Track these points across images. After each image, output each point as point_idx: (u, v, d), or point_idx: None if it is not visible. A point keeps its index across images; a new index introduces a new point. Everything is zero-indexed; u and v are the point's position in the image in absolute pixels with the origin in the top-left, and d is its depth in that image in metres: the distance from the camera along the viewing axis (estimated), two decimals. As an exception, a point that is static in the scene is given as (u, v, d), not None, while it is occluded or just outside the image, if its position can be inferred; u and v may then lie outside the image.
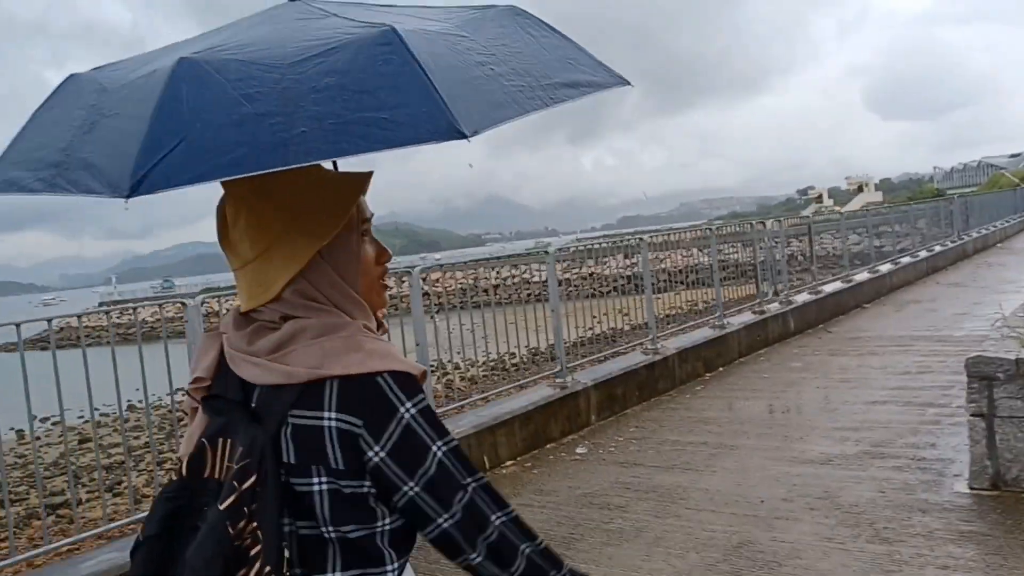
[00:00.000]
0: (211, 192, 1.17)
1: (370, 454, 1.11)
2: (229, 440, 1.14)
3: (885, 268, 14.42)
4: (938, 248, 17.73)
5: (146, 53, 1.30)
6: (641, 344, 7.92)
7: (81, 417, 7.35)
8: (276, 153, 0.94)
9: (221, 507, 1.09)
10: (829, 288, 11.98)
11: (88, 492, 8.80)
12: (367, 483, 1.12)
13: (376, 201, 1.31)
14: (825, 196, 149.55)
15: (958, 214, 20.19)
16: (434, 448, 1.13)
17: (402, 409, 1.12)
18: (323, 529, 1.14)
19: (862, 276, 13.27)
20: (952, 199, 21.11)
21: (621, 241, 11.66)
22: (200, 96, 0.99)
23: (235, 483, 1.09)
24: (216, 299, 4.76)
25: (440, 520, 1.14)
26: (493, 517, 1.17)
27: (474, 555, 1.16)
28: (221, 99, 0.99)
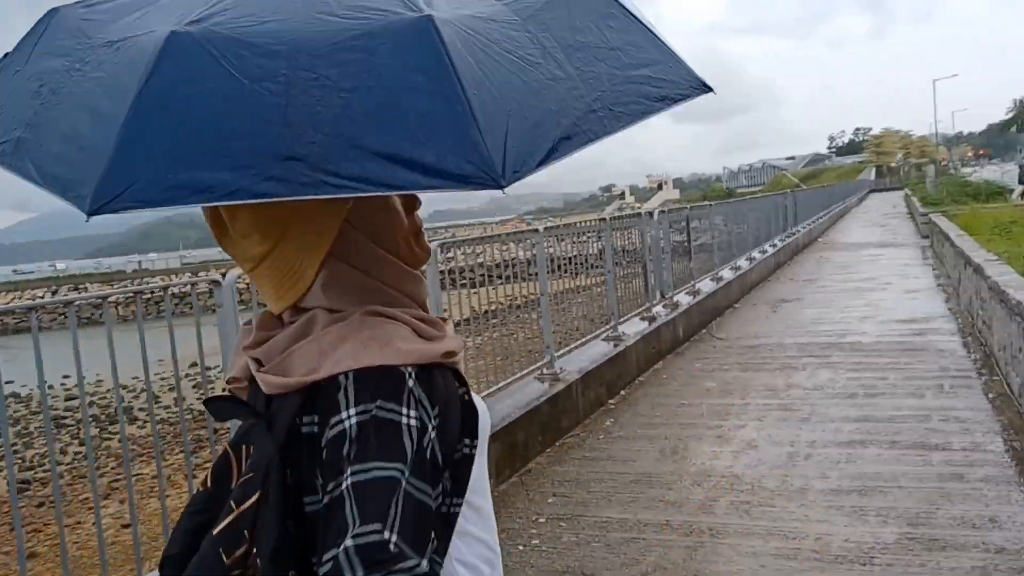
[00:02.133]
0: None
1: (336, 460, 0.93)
2: (251, 447, 1.00)
3: (744, 264, 13.58)
4: (779, 243, 17.40)
5: None
6: (538, 370, 6.01)
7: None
8: (274, 183, 0.77)
9: (214, 533, 0.95)
10: (705, 287, 10.75)
11: None
12: None
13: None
14: (627, 193, 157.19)
15: (791, 209, 20.20)
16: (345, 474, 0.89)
17: (346, 413, 0.92)
18: None
19: (728, 274, 12.23)
20: (786, 194, 21.12)
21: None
22: (191, 88, 0.81)
23: (233, 503, 0.95)
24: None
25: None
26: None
27: None
28: (216, 95, 0.80)
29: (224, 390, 1.10)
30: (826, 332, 8.95)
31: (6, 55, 1.06)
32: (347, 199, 0.97)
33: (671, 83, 0.96)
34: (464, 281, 6.46)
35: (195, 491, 1.06)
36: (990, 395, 5.92)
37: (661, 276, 9.05)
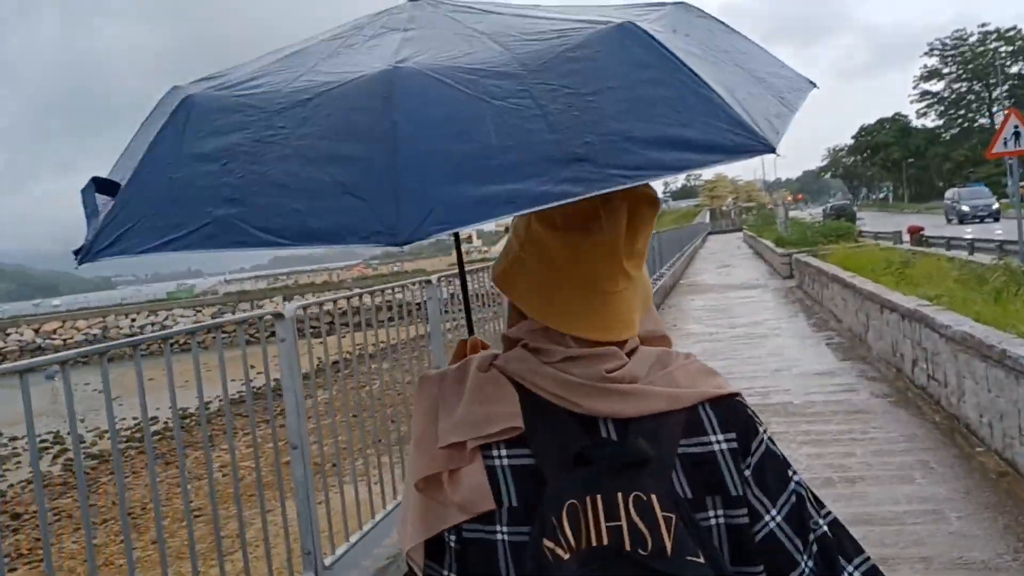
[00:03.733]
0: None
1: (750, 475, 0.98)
2: (599, 496, 0.91)
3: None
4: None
5: (275, 62, 1.07)
6: None
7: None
8: (212, 230, 0.83)
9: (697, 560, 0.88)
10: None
11: None
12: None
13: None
14: (474, 237, 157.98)
15: (657, 251, 19.65)
16: (791, 475, 0.99)
17: (761, 429, 1.00)
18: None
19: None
20: (654, 234, 20.55)
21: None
22: (439, 112, 0.84)
23: (664, 534, 0.89)
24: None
25: (801, 563, 0.95)
26: (845, 565, 0.99)
27: None
28: (465, 116, 0.83)
29: (446, 446, 0.99)
30: (746, 391, 7.79)
31: (128, 152, 1.06)
32: (656, 212, 1.00)
33: (704, 144, 0.87)
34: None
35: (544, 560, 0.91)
36: (992, 475, 4.85)
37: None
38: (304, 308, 3.64)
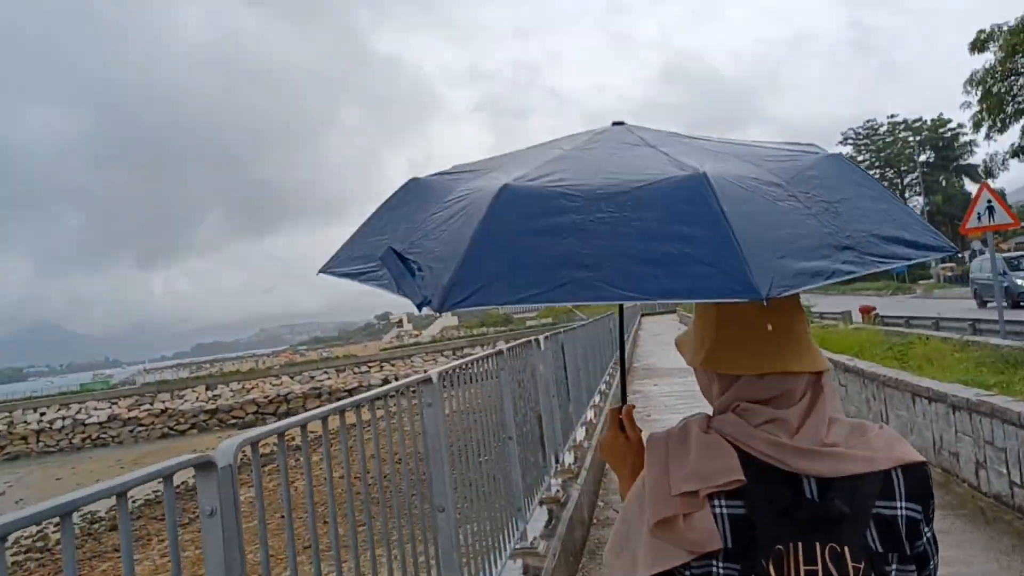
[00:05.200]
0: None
1: (922, 540, 1.17)
2: (800, 544, 1.12)
3: (599, 400, 11.19)
4: (613, 371, 15.39)
5: (481, 162, 1.50)
6: None
7: None
8: (574, 288, 1.04)
9: None
10: (580, 437, 8.07)
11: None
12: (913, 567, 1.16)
13: None
14: (405, 321, 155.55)
15: (615, 331, 18.46)
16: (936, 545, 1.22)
17: (932, 502, 1.19)
18: None
19: (590, 414, 9.72)
20: (610, 315, 19.40)
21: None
22: (513, 225, 1.11)
23: None
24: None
25: None
26: None
27: None
28: (530, 229, 1.10)
29: (682, 494, 1.16)
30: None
31: (383, 206, 1.45)
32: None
33: (922, 235, 1.25)
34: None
35: None
36: None
37: (554, 431, 6.26)
38: (253, 444, 2.07)
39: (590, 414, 9.63)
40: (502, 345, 4.77)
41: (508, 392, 4.71)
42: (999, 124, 31.37)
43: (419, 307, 1.11)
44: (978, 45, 30.36)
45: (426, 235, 1.22)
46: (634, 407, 1.55)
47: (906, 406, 7.53)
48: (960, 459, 6.35)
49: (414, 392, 3.25)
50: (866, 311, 23.73)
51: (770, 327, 1.21)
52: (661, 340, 32.94)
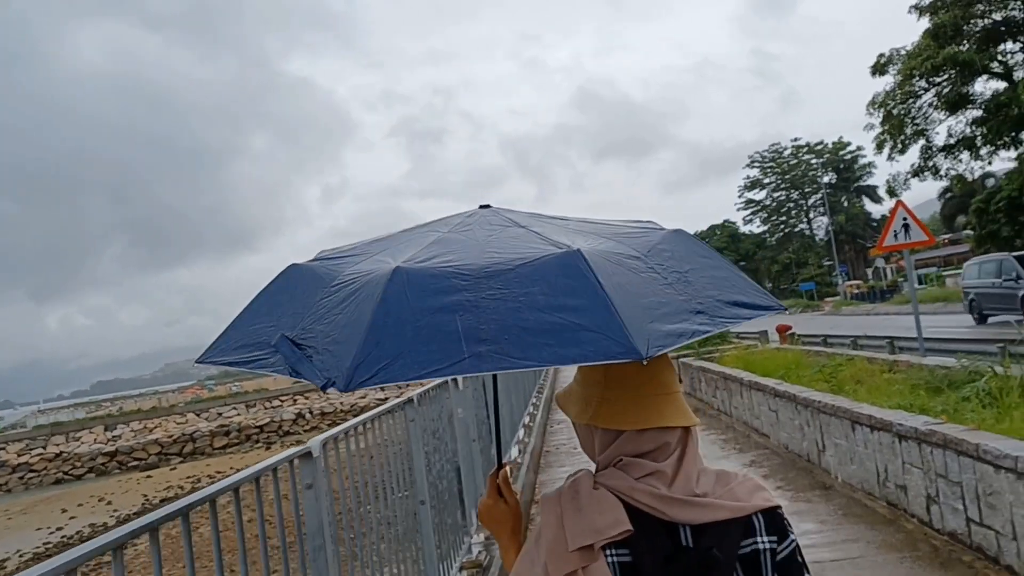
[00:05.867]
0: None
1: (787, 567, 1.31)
2: None
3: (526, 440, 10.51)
4: (535, 408, 14.74)
5: (356, 246, 1.53)
6: None
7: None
8: (476, 361, 1.10)
9: None
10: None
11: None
12: None
13: None
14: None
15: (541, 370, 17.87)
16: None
17: (791, 536, 1.33)
18: None
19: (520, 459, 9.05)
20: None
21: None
22: (410, 304, 1.16)
23: None
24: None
25: None
26: None
27: None
28: (427, 308, 1.16)
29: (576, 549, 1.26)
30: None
31: (259, 295, 1.46)
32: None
33: (755, 296, 1.43)
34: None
35: None
36: None
37: (475, 482, 5.55)
38: None
39: (514, 451, 8.96)
40: (412, 392, 4.07)
41: (419, 448, 3.99)
42: (900, 145, 32.52)
43: (323, 388, 1.13)
44: (879, 68, 31.49)
45: (317, 319, 1.27)
46: (509, 469, 1.60)
47: (844, 434, 7.13)
48: (908, 492, 5.94)
49: (288, 471, 2.53)
50: (783, 330, 23.85)
51: (653, 385, 1.35)
52: (571, 372, 32.38)
